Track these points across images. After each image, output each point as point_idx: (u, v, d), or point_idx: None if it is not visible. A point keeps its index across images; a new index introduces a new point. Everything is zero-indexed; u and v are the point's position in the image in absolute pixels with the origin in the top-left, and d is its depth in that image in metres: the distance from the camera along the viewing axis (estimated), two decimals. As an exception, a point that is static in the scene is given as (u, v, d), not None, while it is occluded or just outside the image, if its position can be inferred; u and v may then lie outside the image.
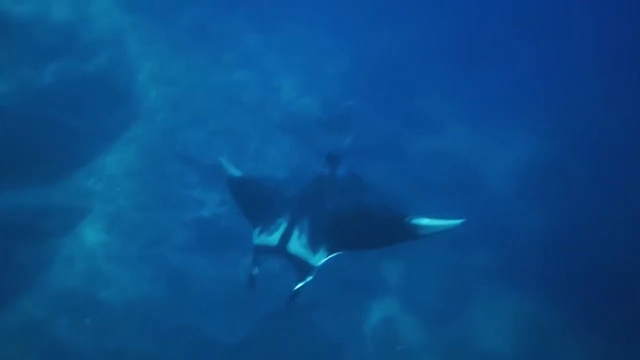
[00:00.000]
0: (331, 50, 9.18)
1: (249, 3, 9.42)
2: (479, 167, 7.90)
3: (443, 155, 8.05)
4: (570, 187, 7.36)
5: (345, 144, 7.85)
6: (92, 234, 6.42)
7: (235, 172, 5.35)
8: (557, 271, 6.39)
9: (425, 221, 4.41)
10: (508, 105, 8.49)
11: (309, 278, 4.35)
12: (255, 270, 4.45)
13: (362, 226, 4.59)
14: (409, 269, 6.79)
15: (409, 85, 8.93)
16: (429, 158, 8.02)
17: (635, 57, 8.61)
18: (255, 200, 5.00)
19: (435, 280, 6.64)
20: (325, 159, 5.52)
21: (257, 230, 4.65)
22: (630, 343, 5.65)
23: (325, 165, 5.50)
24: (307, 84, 8.46)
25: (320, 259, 4.42)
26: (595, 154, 7.61)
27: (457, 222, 4.36)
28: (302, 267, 4.39)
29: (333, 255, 4.44)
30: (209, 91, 8.04)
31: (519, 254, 6.70)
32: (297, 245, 4.49)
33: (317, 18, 9.64)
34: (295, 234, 4.54)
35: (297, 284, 4.30)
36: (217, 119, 7.72)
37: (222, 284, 6.20)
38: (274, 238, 4.53)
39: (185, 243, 6.53)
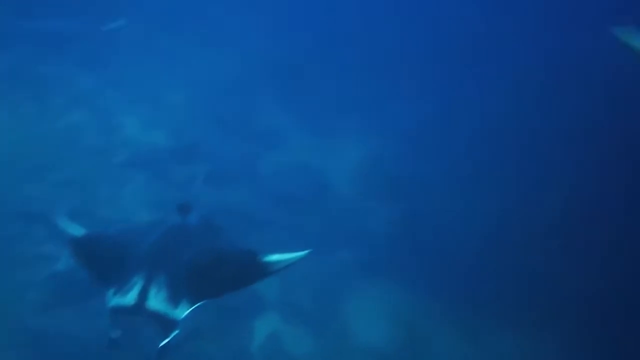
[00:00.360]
0: (169, 80, 9.17)
1: (72, 42, 9.07)
2: (325, 173, 8.41)
3: (292, 167, 8.46)
4: (407, 179, 8.07)
5: (199, 175, 7.88)
6: None
7: (76, 231, 5.08)
8: (412, 260, 6.92)
9: (275, 257, 4.78)
10: (343, 112, 9.16)
11: (175, 332, 4.34)
12: (116, 333, 4.34)
13: (220, 273, 4.71)
14: (282, 282, 6.96)
15: (250, 104, 9.23)
16: (279, 172, 8.37)
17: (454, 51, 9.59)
18: (104, 260, 4.78)
19: (308, 287, 6.86)
20: (175, 209, 5.54)
21: (111, 292, 4.49)
22: (495, 319, 6.19)
23: (177, 215, 5.49)
24: (150, 117, 8.36)
25: (182, 312, 4.42)
26: (425, 149, 8.44)
27: (304, 252, 4.82)
28: (164, 323, 4.36)
29: (195, 306, 4.48)
30: (44, 140, 7.60)
31: (376, 249, 7.17)
32: (156, 301, 4.42)
33: (148, 49, 9.57)
34: (153, 290, 4.47)
35: (162, 341, 4.26)
36: (59, 168, 7.30)
37: (91, 336, 5.84)
38: (130, 298, 4.43)
39: (43, 302, 6.05)
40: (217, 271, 4.72)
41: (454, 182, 7.80)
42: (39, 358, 5.63)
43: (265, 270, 4.75)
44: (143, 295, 4.42)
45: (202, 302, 4.50)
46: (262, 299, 6.78)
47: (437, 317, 6.26)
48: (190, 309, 4.43)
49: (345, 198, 8.03)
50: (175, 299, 4.44)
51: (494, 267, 6.48)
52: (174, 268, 4.64)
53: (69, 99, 8.23)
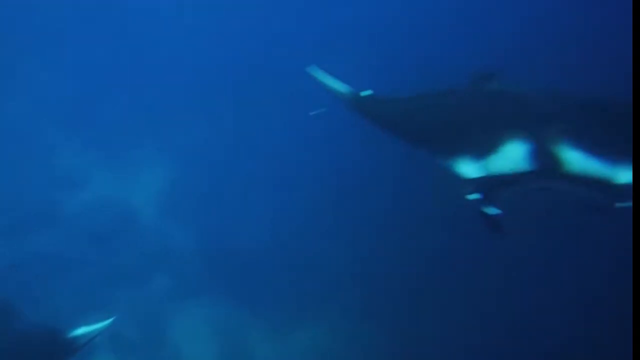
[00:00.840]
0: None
1: None
2: (130, 204, 8.75)
3: (97, 204, 8.69)
4: (208, 198, 8.67)
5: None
6: None
7: None
8: (225, 274, 7.66)
9: (81, 330, 4.86)
10: (139, 144, 9.48)
11: None
12: None
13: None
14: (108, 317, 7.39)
15: (45, 147, 9.14)
16: (85, 211, 8.56)
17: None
18: None
19: (133, 318, 7.30)
20: None
21: None
22: (300, 316, 7.14)
23: None
24: None
25: None
26: (218, 169, 8.96)
27: (109, 321, 5.01)
28: None
29: None
30: None
31: (191, 269, 7.82)
32: None
33: None
34: None
35: None
36: None
37: None
38: None
39: None
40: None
41: (245, 194, 8.62)
42: None
43: (74, 346, 4.74)
44: None
45: None
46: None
47: (255, 323, 7.16)
48: None
49: (154, 225, 8.49)
50: None
51: (293, 269, 7.53)
52: None
53: None
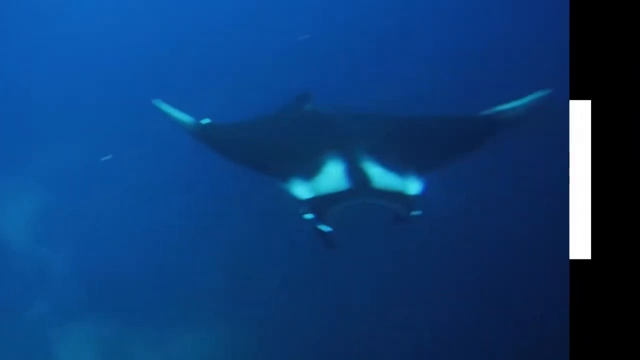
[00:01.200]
0: None
1: None
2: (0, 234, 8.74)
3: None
4: (79, 222, 8.78)
5: None
6: None
7: None
8: (102, 293, 7.84)
9: None
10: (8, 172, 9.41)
11: None
12: None
13: None
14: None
15: None
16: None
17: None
18: None
19: (13, 347, 7.42)
20: None
21: None
22: (172, 327, 7.50)
23: None
24: None
25: None
26: (88, 194, 9.10)
27: None
28: None
29: None
30: None
31: (69, 291, 7.95)
32: None
33: None
34: None
35: None
36: None
37: None
38: None
39: None
40: None
41: (118, 214, 8.75)
42: None
43: None
44: None
45: None
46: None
47: (139, 339, 7.47)
48: None
49: (28, 252, 8.52)
50: None
51: (171, 281, 7.84)
52: None
53: None
